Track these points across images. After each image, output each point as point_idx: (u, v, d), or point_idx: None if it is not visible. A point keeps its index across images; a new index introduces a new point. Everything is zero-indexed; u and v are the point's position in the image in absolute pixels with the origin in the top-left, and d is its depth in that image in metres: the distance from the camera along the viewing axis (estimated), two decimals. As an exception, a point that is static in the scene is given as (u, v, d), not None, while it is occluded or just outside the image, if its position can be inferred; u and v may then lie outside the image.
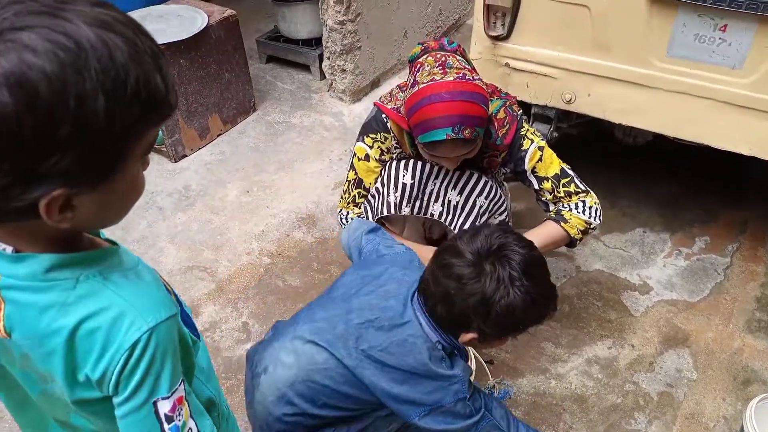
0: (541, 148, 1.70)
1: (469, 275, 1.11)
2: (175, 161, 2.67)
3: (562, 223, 1.69)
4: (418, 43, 1.63)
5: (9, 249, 0.68)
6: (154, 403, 0.71)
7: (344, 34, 2.84)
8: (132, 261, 0.77)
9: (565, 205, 1.71)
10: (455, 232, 1.76)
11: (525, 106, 2.03)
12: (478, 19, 2.04)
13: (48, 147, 0.57)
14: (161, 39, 2.46)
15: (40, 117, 0.55)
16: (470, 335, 1.18)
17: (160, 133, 2.60)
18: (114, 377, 0.69)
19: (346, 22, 2.81)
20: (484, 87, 1.54)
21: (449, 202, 1.74)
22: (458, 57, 1.57)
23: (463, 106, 1.46)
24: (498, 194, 1.79)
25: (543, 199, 1.75)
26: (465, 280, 1.11)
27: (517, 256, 1.11)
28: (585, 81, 1.98)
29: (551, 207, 1.75)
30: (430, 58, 1.56)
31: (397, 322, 1.24)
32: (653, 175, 2.56)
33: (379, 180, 1.77)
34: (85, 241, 0.74)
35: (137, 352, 0.69)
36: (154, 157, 2.69)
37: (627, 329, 1.99)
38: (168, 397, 0.72)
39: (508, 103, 1.72)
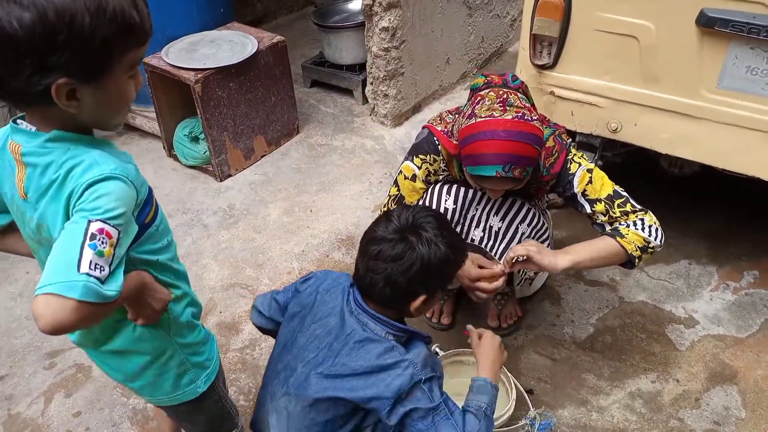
0: (590, 171, 1.66)
1: (404, 250, 1.25)
2: (221, 180, 2.75)
3: (618, 238, 1.59)
4: (482, 75, 1.65)
5: (33, 128, 0.97)
6: (89, 221, 0.90)
7: (388, 61, 2.90)
8: (119, 152, 1.02)
9: (622, 223, 1.63)
10: (496, 258, 1.76)
11: (570, 135, 2.02)
12: (524, 48, 2.06)
13: (52, 48, 0.85)
14: (212, 63, 2.55)
15: (47, 28, 0.83)
16: (419, 300, 1.30)
17: (207, 152, 2.68)
18: (72, 204, 0.93)
19: (391, 49, 2.87)
20: (541, 127, 1.54)
21: (491, 228, 1.74)
22: (520, 95, 1.57)
23: (517, 146, 1.47)
24: (541, 221, 1.79)
25: (598, 221, 1.67)
26: (402, 256, 1.25)
27: (429, 219, 1.30)
28: (632, 110, 1.98)
29: (607, 228, 1.66)
30: (491, 93, 1.57)
31: (342, 336, 1.30)
32: (699, 206, 2.51)
33: (421, 202, 1.79)
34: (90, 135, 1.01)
35: (93, 186, 0.92)
36: (200, 176, 2.78)
37: (672, 363, 1.94)
38: (100, 221, 0.90)
39: (557, 132, 1.72)
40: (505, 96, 1.54)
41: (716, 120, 1.87)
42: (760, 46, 1.72)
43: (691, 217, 2.46)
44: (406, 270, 1.25)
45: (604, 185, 1.66)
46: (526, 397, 1.77)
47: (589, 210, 1.67)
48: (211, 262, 2.34)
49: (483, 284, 1.66)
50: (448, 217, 1.74)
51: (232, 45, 2.69)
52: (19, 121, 0.98)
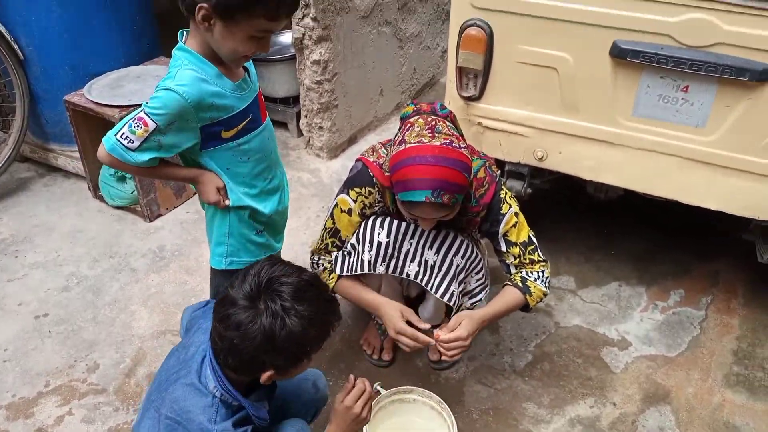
0: (516, 214, 1.75)
1: (246, 320, 1.15)
2: (150, 220, 2.64)
3: (527, 296, 1.74)
4: (411, 103, 1.67)
5: (181, 41, 1.42)
6: (142, 109, 1.37)
7: (321, 93, 2.89)
8: (215, 77, 1.41)
9: (529, 274, 1.76)
10: (432, 292, 1.75)
11: (499, 163, 2.06)
12: (450, 80, 2.10)
13: None
14: (138, 99, 2.47)
15: None
16: (268, 373, 1.22)
17: (135, 191, 2.58)
18: None
19: (323, 82, 2.86)
20: (469, 156, 1.56)
21: (426, 261, 1.74)
22: (448, 123, 1.60)
23: (445, 171, 1.48)
24: (475, 253, 1.79)
25: (507, 261, 1.79)
26: (244, 326, 1.15)
27: (286, 286, 1.18)
28: (556, 139, 2.03)
29: (512, 270, 1.79)
30: (420, 119, 1.59)
31: (185, 369, 1.27)
32: (626, 229, 2.60)
33: (355, 236, 1.77)
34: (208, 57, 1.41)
35: (157, 90, 1.37)
36: (128, 217, 2.67)
37: (608, 387, 1.97)
38: (144, 112, 1.36)
39: (487, 163, 1.76)
40: (433, 123, 1.56)
41: (634, 146, 1.94)
42: (669, 75, 1.80)
43: (618, 240, 2.54)
44: (248, 341, 1.15)
45: (522, 230, 1.76)
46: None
47: (504, 249, 1.77)
48: (140, 309, 2.23)
49: (405, 340, 1.68)
50: (381, 251, 1.72)
51: (158, 80, 2.61)
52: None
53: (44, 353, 2.05)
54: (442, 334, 1.66)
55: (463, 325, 1.65)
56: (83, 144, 2.64)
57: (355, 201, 1.76)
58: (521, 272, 1.77)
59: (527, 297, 1.74)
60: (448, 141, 1.52)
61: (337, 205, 1.79)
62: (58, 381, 1.96)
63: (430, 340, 1.66)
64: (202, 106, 1.38)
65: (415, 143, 1.52)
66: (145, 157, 1.40)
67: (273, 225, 1.72)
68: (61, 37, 2.56)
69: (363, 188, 1.75)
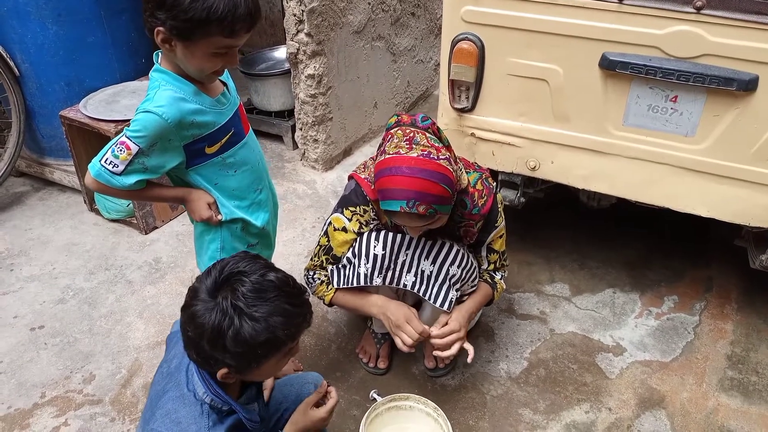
0: (504, 227, 1.88)
1: (199, 312, 1.11)
2: (146, 233, 2.65)
3: (495, 291, 1.93)
4: (395, 114, 1.70)
5: (157, 63, 1.43)
6: (123, 134, 1.39)
7: (316, 107, 2.92)
8: (193, 94, 1.42)
9: (495, 272, 1.95)
10: (431, 302, 1.77)
11: (492, 173, 2.08)
12: (443, 93, 2.13)
13: (160, 6, 1.28)
14: (133, 114, 2.48)
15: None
16: (222, 371, 1.17)
17: (131, 204, 2.59)
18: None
19: (318, 95, 2.90)
20: (450, 167, 1.56)
21: (422, 272, 1.76)
22: (428, 135, 1.61)
23: (420, 183, 1.50)
24: (470, 262, 1.82)
25: (484, 266, 1.93)
26: (197, 318, 1.11)
27: (245, 285, 1.12)
28: (548, 149, 2.07)
29: (482, 267, 1.93)
30: (399, 131, 1.61)
31: (172, 382, 1.25)
32: (619, 236, 2.63)
33: (351, 250, 1.78)
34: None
35: (137, 114, 1.38)
36: (123, 230, 2.67)
37: (603, 392, 1.99)
38: (125, 136, 1.38)
39: (483, 176, 1.81)
40: (411, 135, 1.58)
41: (625, 155, 1.98)
42: (658, 85, 1.84)
43: (612, 248, 2.57)
44: (199, 334, 1.11)
45: (503, 241, 1.91)
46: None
47: (484, 255, 1.91)
48: (136, 320, 2.23)
49: (403, 336, 1.72)
50: (378, 263, 1.74)
51: (154, 95, 2.64)
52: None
53: (40, 365, 2.05)
54: (434, 330, 1.72)
55: (453, 317, 1.76)
56: (79, 158, 2.66)
57: (350, 220, 1.78)
58: (489, 271, 1.93)
59: (494, 292, 1.92)
60: (425, 152, 1.53)
61: (330, 223, 1.81)
62: (54, 392, 1.96)
63: (426, 328, 1.74)
64: (183, 124, 1.40)
65: (393, 154, 1.55)
66: (131, 180, 1.41)
67: (265, 237, 1.73)
68: (56, 54, 2.59)
69: (357, 207, 1.78)
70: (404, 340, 1.72)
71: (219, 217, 1.56)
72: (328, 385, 1.45)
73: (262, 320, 1.11)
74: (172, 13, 1.26)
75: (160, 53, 1.43)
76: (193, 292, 1.16)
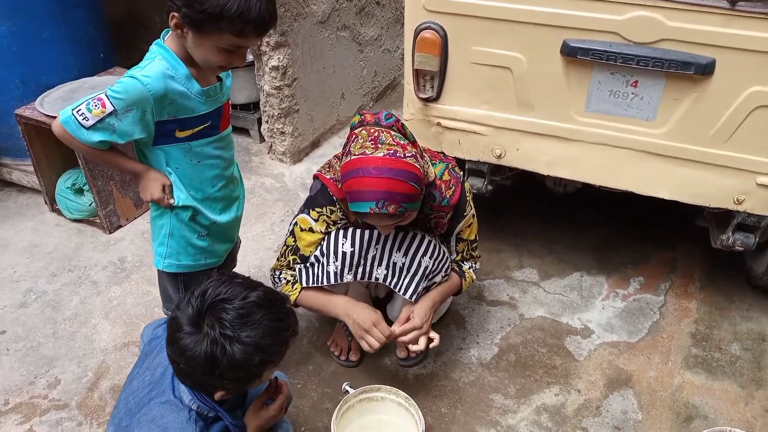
0: (473, 216, 1.87)
1: (189, 345, 1.14)
2: (110, 232, 2.60)
3: (463, 280, 1.93)
4: (358, 113, 1.67)
5: (164, 39, 1.47)
6: (104, 92, 1.40)
7: (281, 99, 2.89)
8: (185, 79, 1.46)
9: (467, 264, 1.96)
10: (400, 293, 1.77)
11: (459, 162, 2.09)
12: (408, 82, 2.12)
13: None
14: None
15: None
16: (220, 393, 1.23)
17: (93, 204, 2.53)
18: None
19: (283, 87, 2.86)
20: (417, 164, 1.55)
21: (394, 264, 1.75)
22: (393, 132, 1.58)
23: (388, 182, 1.49)
24: (442, 252, 1.82)
25: (452, 256, 1.92)
26: (188, 351, 1.14)
27: (230, 312, 1.15)
28: (513, 137, 2.08)
29: (455, 263, 1.94)
30: (363, 131, 1.59)
31: (156, 389, 1.27)
32: (585, 221, 2.67)
33: (318, 249, 1.77)
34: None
35: (122, 76, 1.42)
36: (87, 230, 2.61)
37: (572, 374, 2.02)
38: (104, 94, 1.39)
39: (450, 165, 1.80)
40: (376, 134, 1.56)
41: (588, 141, 2.00)
42: (618, 71, 1.86)
43: (578, 232, 2.61)
44: (193, 366, 1.16)
45: (473, 230, 1.91)
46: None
47: (453, 245, 1.90)
48: (101, 322, 2.18)
49: (371, 339, 1.73)
50: (347, 260, 1.73)
51: (114, 91, 2.57)
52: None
53: (2, 371, 2.00)
54: (396, 329, 1.74)
55: (415, 313, 1.77)
56: (37, 157, 2.58)
57: (316, 221, 1.76)
58: (463, 264, 1.94)
59: (463, 281, 1.92)
60: (391, 151, 1.52)
61: (297, 224, 1.79)
62: (18, 399, 1.91)
63: (392, 331, 1.75)
64: (163, 101, 1.42)
65: (359, 155, 1.53)
66: (96, 137, 1.41)
67: (220, 232, 1.72)
68: (9, 50, 2.50)
69: (324, 207, 1.76)
70: (371, 343, 1.73)
71: (171, 200, 1.56)
72: (278, 381, 1.45)
73: (252, 344, 1.15)
74: (188, 2, 1.30)
75: (167, 32, 1.46)
76: (175, 325, 1.17)
